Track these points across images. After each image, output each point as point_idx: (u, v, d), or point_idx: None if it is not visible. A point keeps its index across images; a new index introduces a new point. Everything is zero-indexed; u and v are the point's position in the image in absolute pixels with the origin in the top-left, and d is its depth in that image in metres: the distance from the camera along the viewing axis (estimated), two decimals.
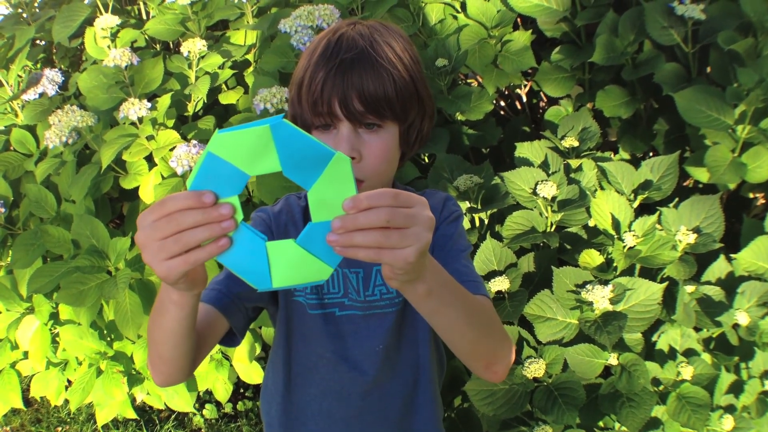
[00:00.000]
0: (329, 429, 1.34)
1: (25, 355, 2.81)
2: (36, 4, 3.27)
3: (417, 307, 0.96)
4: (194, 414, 3.26)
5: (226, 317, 1.19)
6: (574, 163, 2.19)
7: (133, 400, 2.80)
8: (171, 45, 2.96)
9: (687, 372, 1.92)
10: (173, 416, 3.26)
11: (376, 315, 1.29)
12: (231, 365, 2.66)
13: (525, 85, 2.90)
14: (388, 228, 0.78)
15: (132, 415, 2.80)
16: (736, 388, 2.00)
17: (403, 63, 1.15)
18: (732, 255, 2.05)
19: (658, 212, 2.03)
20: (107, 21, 2.59)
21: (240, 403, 3.30)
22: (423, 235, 0.80)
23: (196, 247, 0.81)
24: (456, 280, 1.17)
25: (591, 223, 2.10)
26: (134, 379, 2.67)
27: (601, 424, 2.05)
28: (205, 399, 3.30)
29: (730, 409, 1.98)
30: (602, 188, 2.11)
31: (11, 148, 2.75)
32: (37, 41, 3.37)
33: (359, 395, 1.31)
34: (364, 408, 1.32)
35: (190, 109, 2.53)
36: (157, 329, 1.02)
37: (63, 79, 2.77)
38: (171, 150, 2.22)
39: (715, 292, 2.00)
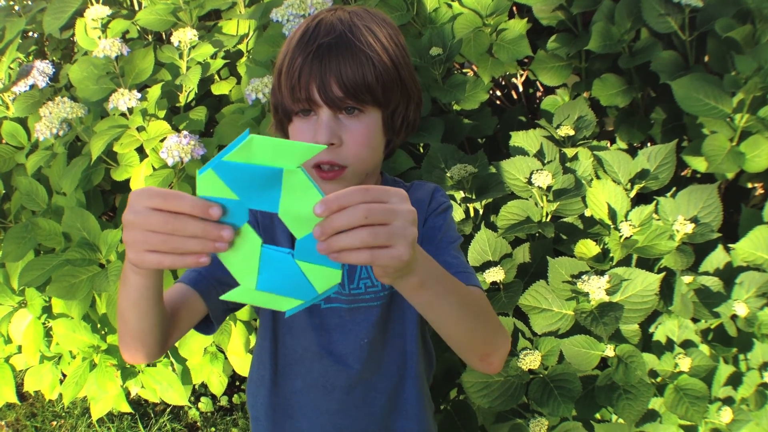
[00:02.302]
0: (315, 422, 1.33)
1: (19, 349, 2.79)
2: None
3: (410, 300, 0.94)
4: (189, 407, 3.25)
5: (204, 300, 1.17)
6: (569, 152, 2.16)
7: (127, 393, 2.78)
8: (163, 36, 2.94)
9: (685, 364, 1.90)
10: (168, 410, 3.25)
11: (361, 308, 1.28)
12: (226, 358, 2.65)
13: (521, 75, 2.88)
14: (372, 225, 0.76)
15: (127, 408, 2.79)
16: (735, 380, 1.99)
17: (384, 48, 1.13)
18: (730, 245, 2.03)
19: (655, 202, 2.01)
20: (98, 12, 2.57)
21: (235, 396, 3.29)
22: (409, 229, 0.79)
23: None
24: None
25: (587, 213, 2.07)
26: (128, 372, 2.65)
27: (597, 416, 2.03)
28: (200, 392, 3.29)
29: (728, 401, 1.97)
30: (598, 177, 2.08)
31: (2, 140, 2.73)
32: (29, 33, 3.34)
33: (343, 389, 1.30)
34: (348, 402, 1.31)
35: (182, 99, 2.51)
36: (123, 299, 1.00)
37: (54, 70, 2.75)
38: (161, 141, 2.19)
39: (713, 283, 1.97)
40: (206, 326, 1.23)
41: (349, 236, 0.76)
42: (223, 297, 0.85)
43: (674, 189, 2.09)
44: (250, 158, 0.76)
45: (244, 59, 2.60)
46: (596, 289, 1.83)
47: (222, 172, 0.76)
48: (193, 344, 2.44)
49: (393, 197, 0.79)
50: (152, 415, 3.24)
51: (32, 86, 2.71)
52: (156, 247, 0.78)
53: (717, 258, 2.04)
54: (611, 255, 1.97)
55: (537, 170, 2.03)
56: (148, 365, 2.69)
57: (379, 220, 0.77)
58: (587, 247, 1.98)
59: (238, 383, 3.33)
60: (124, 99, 2.24)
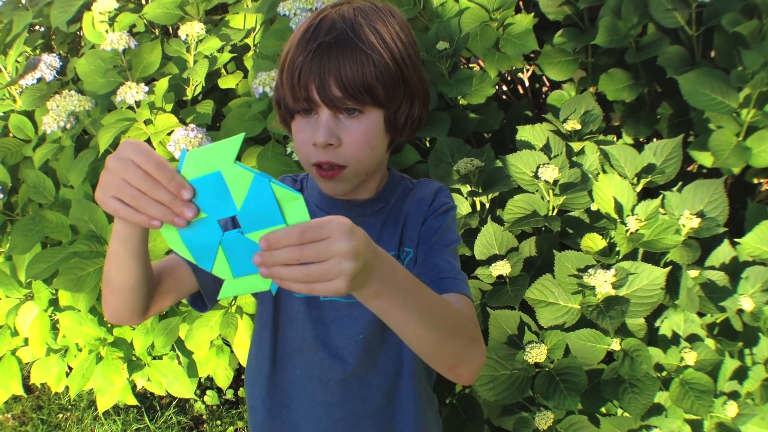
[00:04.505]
0: (311, 412, 1.33)
1: (26, 341, 2.80)
2: None
3: (366, 306, 0.94)
4: (195, 400, 3.26)
5: (196, 276, 1.19)
6: (576, 146, 2.17)
7: (133, 386, 2.79)
8: (170, 30, 2.94)
9: (690, 358, 1.91)
10: (174, 403, 3.26)
11: (359, 304, 1.26)
12: (232, 351, 2.65)
13: (527, 69, 2.88)
14: (306, 264, 0.80)
15: (133, 401, 2.80)
16: (740, 375, 1.99)
17: (387, 46, 1.12)
18: (736, 240, 2.03)
19: (661, 196, 2.01)
20: (105, 5, 2.56)
21: (241, 389, 3.30)
22: (344, 265, 0.80)
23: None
24: (435, 276, 1.17)
25: (593, 207, 2.08)
26: (134, 365, 2.66)
27: (603, 410, 2.03)
28: (206, 385, 3.30)
29: (733, 395, 1.97)
30: (605, 172, 2.08)
31: (10, 134, 2.74)
32: (36, 27, 3.35)
33: (338, 383, 1.30)
34: (343, 395, 1.31)
35: (189, 93, 2.51)
36: (109, 249, 1.03)
37: (61, 64, 2.76)
38: (169, 134, 2.20)
39: (719, 277, 1.98)
40: (202, 303, 1.24)
41: (285, 270, 0.80)
42: (219, 297, 0.91)
43: (680, 184, 2.08)
44: (193, 174, 0.81)
45: (251, 53, 2.61)
46: (602, 282, 1.83)
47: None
48: (200, 337, 2.44)
49: (333, 233, 0.80)
50: (158, 408, 3.25)
51: (39, 79, 2.72)
52: (123, 197, 0.83)
53: (723, 252, 2.04)
54: (617, 249, 1.97)
55: (543, 164, 2.03)
56: (154, 358, 2.70)
57: (312, 260, 0.79)
58: (593, 241, 1.98)
59: (243, 377, 3.33)
60: (131, 92, 2.25)
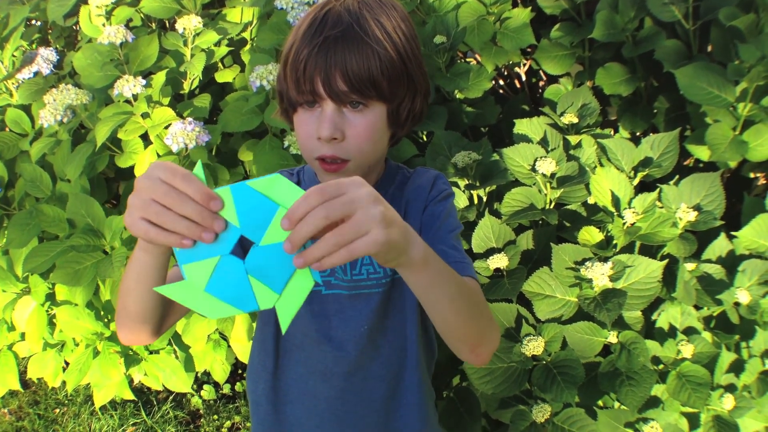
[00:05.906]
0: (314, 409, 1.34)
1: (22, 336, 2.80)
2: None
3: (412, 282, 0.94)
4: (192, 395, 3.26)
5: None
6: (573, 139, 2.17)
7: (130, 381, 2.79)
8: (167, 23, 2.94)
9: (687, 350, 1.91)
10: (171, 397, 3.26)
11: (362, 295, 1.27)
12: (229, 346, 2.65)
13: (524, 64, 2.88)
14: (336, 226, 0.78)
15: (129, 396, 2.80)
16: (737, 367, 1.99)
17: (392, 40, 1.12)
18: (733, 233, 2.03)
19: (658, 189, 2.01)
20: None
21: (238, 384, 3.30)
22: (374, 212, 0.80)
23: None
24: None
25: (590, 200, 2.08)
26: (131, 359, 2.66)
27: (600, 402, 2.04)
28: (203, 380, 3.30)
29: (730, 388, 1.97)
30: (602, 165, 2.09)
31: (6, 128, 2.73)
32: (33, 21, 3.34)
33: (342, 376, 1.30)
34: (347, 389, 1.31)
35: (186, 86, 2.51)
36: (126, 278, 1.02)
37: (58, 58, 2.74)
38: (166, 128, 2.20)
39: (716, 270, 1.98)
40: None
41: (319, 246, 0.78)
42: (156, 289, 0.86)
43: (677, 177, 2.09)
44: (267, 190, 0.80)
45: (248, 47, 2.60)
46: (600, 275, 1.83)
47: (238, 194, 0.80)
48: (197, 331, 2.44)
49: (348, 187, 0.80)
50: (155, 403, 3.25)
51: (36, 73, 2.71)
52: (149, 216, 0.81)
53: (720, 246, 2.04)
54: (614, 242, 1.98)
55: (541, 157, 2.03)
56: (151, 352, 2.70)
57: (340, 215, 0.78)
58: (591, 234, 1.99)
59: (240, 371, 3.34)
60: (128, 86, 2.24)
